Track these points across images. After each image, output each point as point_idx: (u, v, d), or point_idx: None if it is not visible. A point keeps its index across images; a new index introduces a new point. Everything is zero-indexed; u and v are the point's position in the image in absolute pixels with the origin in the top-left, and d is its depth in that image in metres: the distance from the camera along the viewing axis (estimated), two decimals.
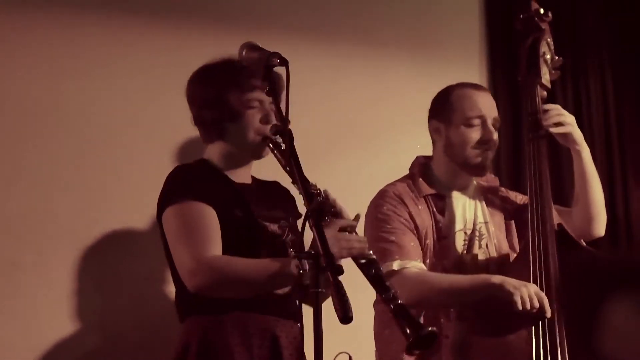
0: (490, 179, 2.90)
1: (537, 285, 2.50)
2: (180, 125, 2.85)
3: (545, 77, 2.83)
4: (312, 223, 2.00)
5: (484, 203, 2.82)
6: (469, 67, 3.79)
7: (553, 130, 2.75)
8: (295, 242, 2.50)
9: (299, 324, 2.37)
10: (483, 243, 2.74)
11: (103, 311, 3.00)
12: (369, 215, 2.73)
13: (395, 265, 2.59)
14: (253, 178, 2.68)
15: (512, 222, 2.82)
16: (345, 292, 1.92)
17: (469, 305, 2.55)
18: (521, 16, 2.87)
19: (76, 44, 3.06)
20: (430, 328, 2.10)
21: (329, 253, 1.94)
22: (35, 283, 2.90)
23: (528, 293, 2.44)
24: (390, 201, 2.70)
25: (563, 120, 2.76)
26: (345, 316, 1.89)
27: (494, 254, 2.74)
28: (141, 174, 3.05)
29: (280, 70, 2.18)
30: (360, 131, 3.54)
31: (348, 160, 3.47)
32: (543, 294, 2.47)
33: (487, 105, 2.75)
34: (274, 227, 2.54)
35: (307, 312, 2.09)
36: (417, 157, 2.86)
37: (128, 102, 3.10)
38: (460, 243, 2.72)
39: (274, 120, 2.46)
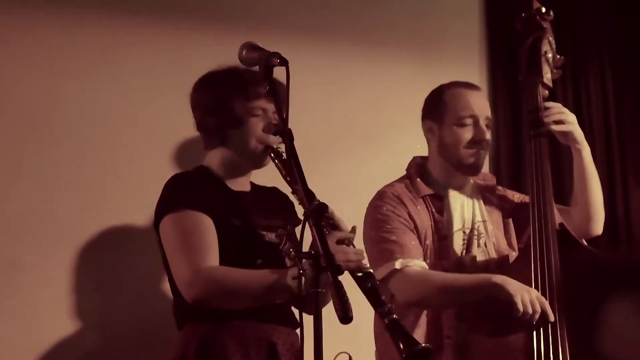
0: (487, 178, 2.90)
1: (538, 284, 2.50)
2: (180, 125, 2.85)
3: (547, 77, 2.82)
4: (312, 223, 2.00)
5: (481, 202, 2.81)
6: (469, 67, 3.79)
7: (554, 128, 2.74)
8: (294, 250, 2.49)
9: (297, 330, 2.36)
10: (482, 242, 2.74)
11: (103, 311, 3.00)
12: (368, 216, 2.73)
13: (398, 264, 2.59)
14: (252, 184, 2.67)
15: (510, 220, 2.82)
16: (345, 292, 1.92)
17: (470, 304, 2.55)
18: (522, 15, 2.87)
19: (76, 44, 3.06)
20: (424, 344, 2.09)
21: (329, 253, 1.94)
22: (35, 283, 2.90)
23: (530, 298, 2.42)
24: (389, 202, 2.70)
25: (564, 119, 2.76)
26: (345, 316, 1.89)
27: (492, 252, 2.74)
28: (141, 174, 3.06)
29: (280, 70, 2.18)
30: (360, 131, 3.54)
31: (348, 160, 3.47)
32: (544, 299, 2.45)
33: (479, 105, 2.75)
34: (271, 235, 2.54)
35: None
36: (414, 158, 2.85)
37: (128, 102, 3.10)
38: (459, 243, 2.72)
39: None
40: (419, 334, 2.61)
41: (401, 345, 2.07)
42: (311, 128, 3.25)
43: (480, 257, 2.72)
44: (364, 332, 2.71)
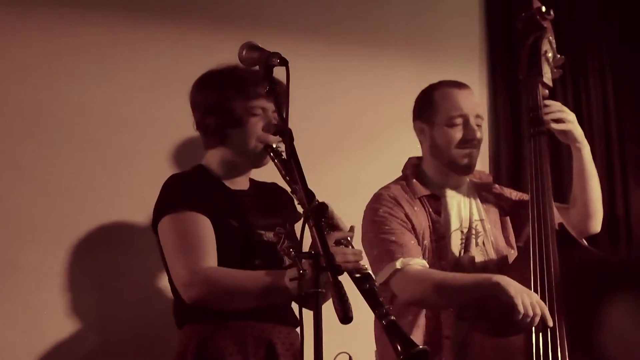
0: (483, 176, 2.90)
1: (537, 284, 2.49)
2: (180, 125, 2.85)
3: (547, 76, 2.82)
4: (312, 223, 2.00)
5: (478, 200, 2.81)
6: (469, 67, 3.79)
7: (554, 126, 2.74)
8: (292, 248, 2.49)
9: (297, 329, 2.36)
10: (480, 241, 2.74)
11: (103, 311, 3.00)
12: (365, 219, 2.73)
13: (399, 264, 2.58)
14: (251, 181, 2.67)
15: (508, 218, 2.82)
16: (345, 292, 1.92)
17: (470, 304, 2.55)
18: (523, 14, 2.87)
19: (76, 44, 3.06)
20: (421, 346, 2.09)
21: (328, 253, 1.94)
22: (35, 283, 2.90)
23: (530, 301, 2.41)
24: (386, 203, 2.70)
25: (564, 117, 2.76)
26: (345, 316, 1.88)
27: (490, 251, 2.74)
28: (141, 174, 3.06)
29: (281, 70, 2.18)
30: (360, 131, 3.54)
31: (348, 160, 3.47)
32: (544, 304, 2.44)
33: (468, 103, 2.74)
34: (269, 235, 2.54)
35: (307, 312, 2.08)
36: (410, 159, 2.86)
37: (127, 102, 3.10)
38: (457, 242, 2.72)
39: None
40: (418, 334, 2.61)
41: (399, 347, 2.06)
42: (311, 128, 3.25)
43: (478, 256, 2.72)
44: (364, 332, 2.71)
